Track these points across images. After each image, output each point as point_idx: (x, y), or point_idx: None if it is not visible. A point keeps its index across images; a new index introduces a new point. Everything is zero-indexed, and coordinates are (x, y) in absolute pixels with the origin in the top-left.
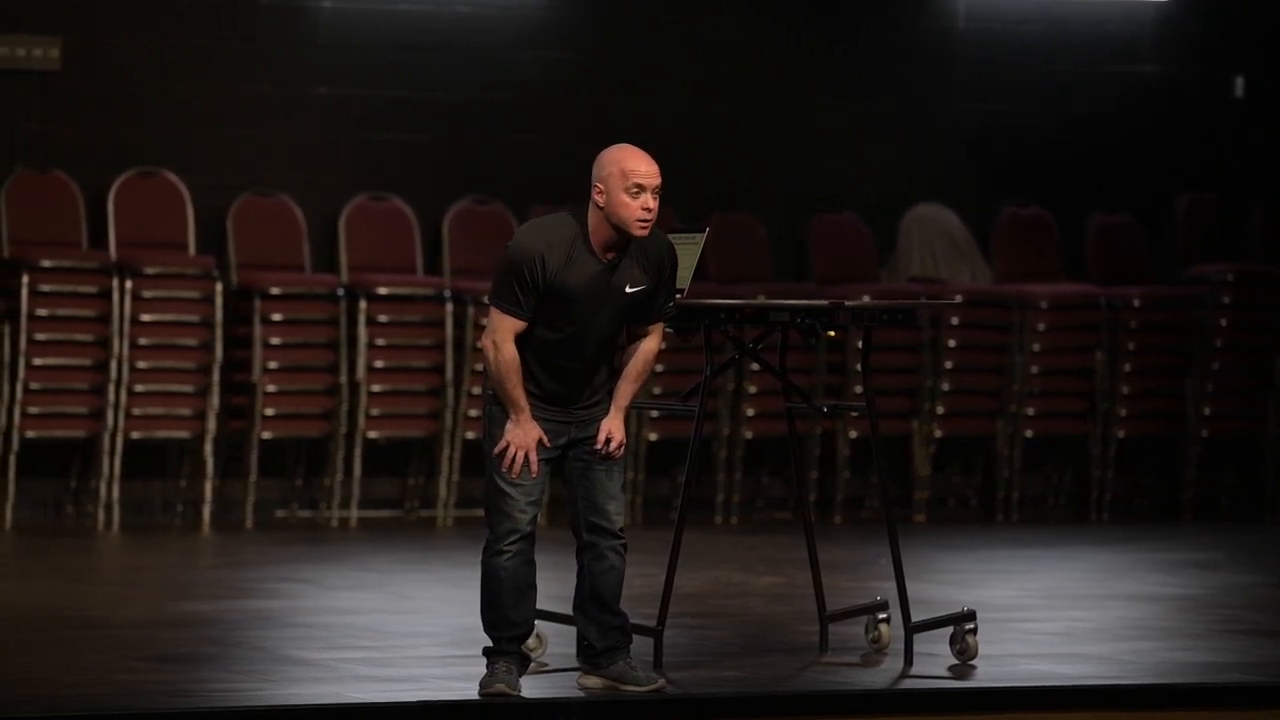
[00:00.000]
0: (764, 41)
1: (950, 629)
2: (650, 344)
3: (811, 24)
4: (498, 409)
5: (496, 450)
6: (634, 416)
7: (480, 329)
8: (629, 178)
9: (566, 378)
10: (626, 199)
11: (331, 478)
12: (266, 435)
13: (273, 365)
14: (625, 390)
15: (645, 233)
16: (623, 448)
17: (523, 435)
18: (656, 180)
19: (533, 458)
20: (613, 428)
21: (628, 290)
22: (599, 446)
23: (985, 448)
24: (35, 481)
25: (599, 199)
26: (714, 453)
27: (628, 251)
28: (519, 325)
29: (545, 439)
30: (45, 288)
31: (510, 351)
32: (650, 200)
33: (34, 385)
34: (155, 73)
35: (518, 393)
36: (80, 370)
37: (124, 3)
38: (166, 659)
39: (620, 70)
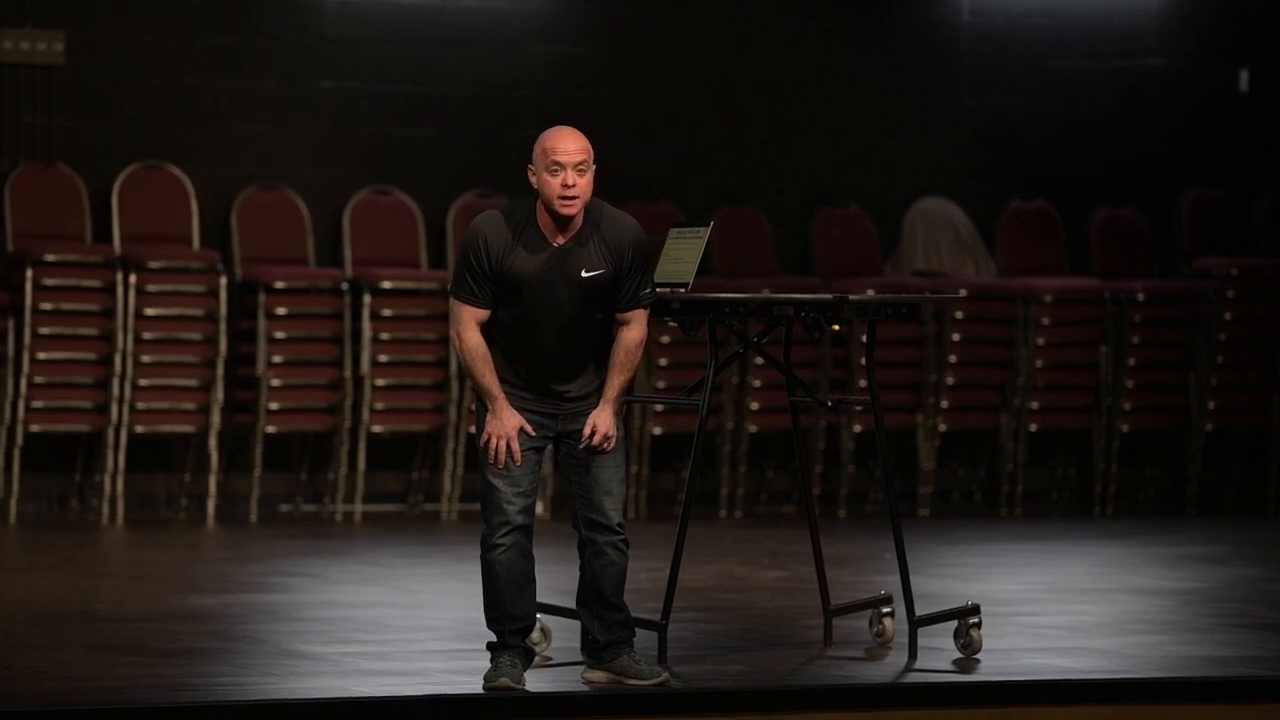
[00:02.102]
0: (769, 37)
1: (954, 623)
2: (632, 333)
3: (816, 18)
4: (482, 404)
5: (480, 444)
6: (638, 410)
7: None
8: (548, 155)
9: (536, 363)
10: (548, 177)
11: (335, 472)
12: (271, 429)
13: (277, 359)
14: (612, 382)
15: (570, 210)
16: (610, 441)
17: (500, 425)
18: (578, 158)
19: (514, 447)
20: (598, 420)
21: (584, 275)
22: (584, 440)
23: (989, 442)
24: (40, 475)
25: (532, 180)
26: (718, 447)
27: (585, 236)
28: (478, 313)
29: (528, 428)
30: (49, 282)
31: (473, 340)
32: (570, 177)
33: (38, 379)
34: (159, 67)
35: (488, 381)
36: (84, 364)
37: None
38: (171, 653)
39: (625, 66)
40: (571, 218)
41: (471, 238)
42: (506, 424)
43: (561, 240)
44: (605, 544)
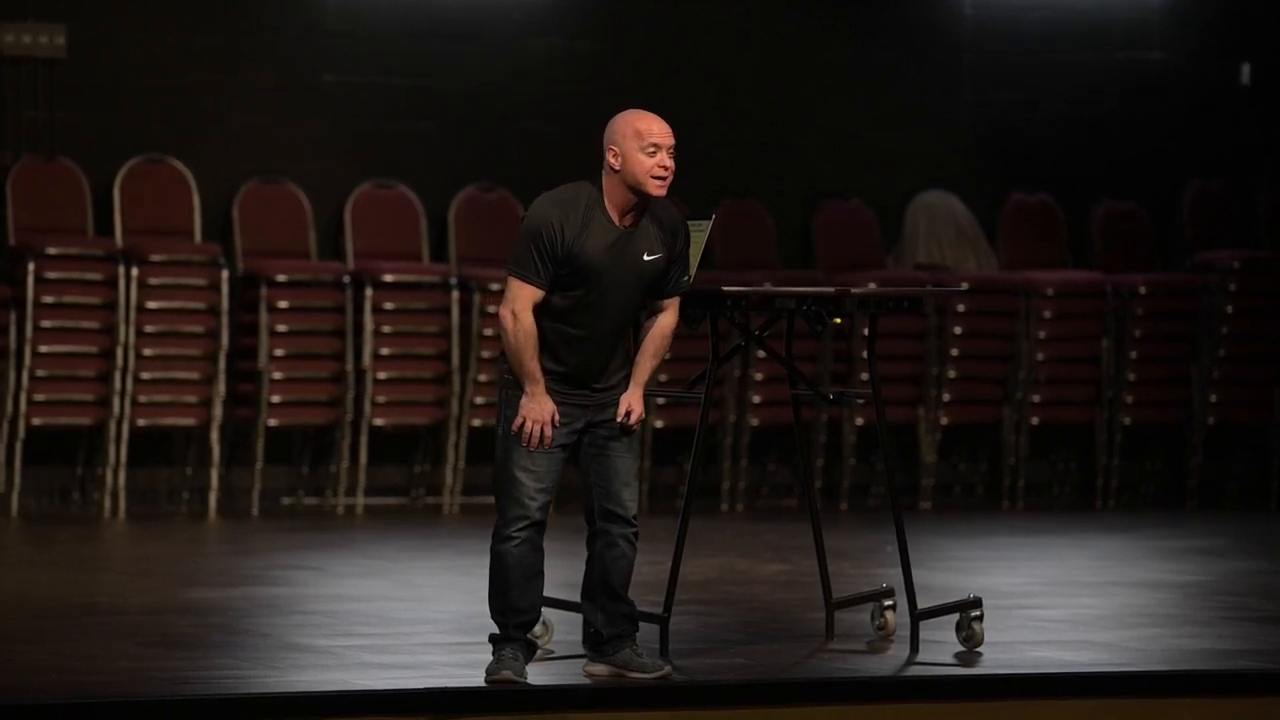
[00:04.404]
0: (771, 30)
1: (956, 616)
2: (667, 319)
3: (818, 12)
4: (513, 391)
5: (515, 426)
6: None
7: (486, 316)
8: (645, 137)
9: (584, 351)
10: (643, 158)
11: (337, 465)
12: (273, 423)
13: (279, 353)
14: (644, 366)
15: (663, 191)
16: (641, 423)
17: (538, 409)
18: (671, 140)
19: (547, 432)
20: (633, 401)
21: (645, 258)
22: (619, 419)
23: (991, 435)
24: (42, 469)
25: (614, 162)
26: (720, 440)
27: (644, 220)
28: (537, 294)
29: (557, 416)
30: (51, 275)
31: (529, 321)
32: (666, 158)
33: (40, 373)
34: (161, 60)
35: (533, 365)
36: (86, 358)
37: None
38: (173, 646)
39: (627, 59)
40: (650, 200)
41: (543, 218)
42: (544, 409)
43: (627, 223)
44: (619, 535)
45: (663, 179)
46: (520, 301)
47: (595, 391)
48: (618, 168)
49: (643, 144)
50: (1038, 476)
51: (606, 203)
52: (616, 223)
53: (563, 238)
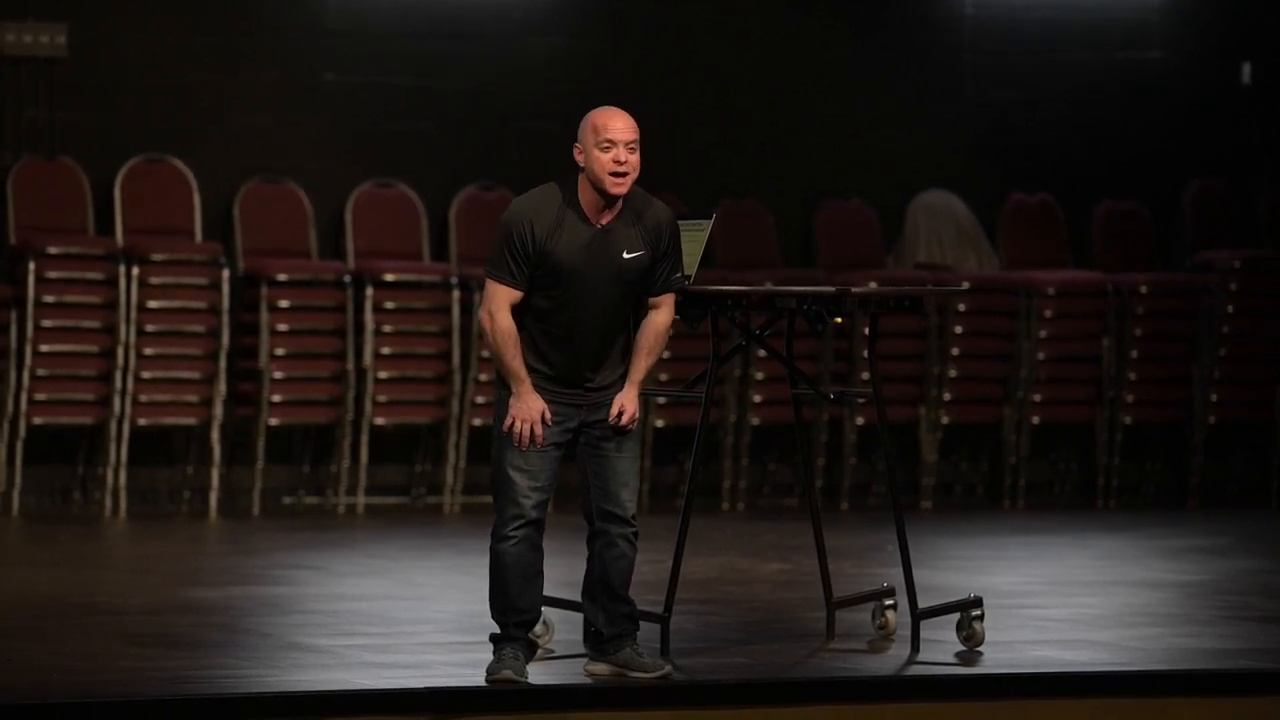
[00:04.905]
0: (771, 29)
1: (957, 615)
2: (661, 317)
3: (818, 12)
4: (504, 392)
5: (505, 426)
6: (641, 403)
7: None
8: (600, 133)
9: (571, 350)
10: (598, 154)
11: (338, 464)
12: (273, 422)
13: (280, 352)
14: (638, 364)
15: (621, 189)
16: (635, 422)
17: (526, 408)
18: (629, 136)
19: (538, 430)
20: (626, 401)
21: (625, 256)
22: (612, 419)
23: (992, 434)
24: (42, 468)
25: (579, 159)
26: (720, 439)
27: (623, 218)
28: (514, 295)
29: (548, 415)
30: (52, 274)
31: (506, 322)
32: (622, 154)
33: (41, 372)
34: (162, 59)
35: (516, 364)
36: (87, 357)
37: None
38: (173, 645)
39: (627, 58)
40: (619, 197)
41: (516, 218)
42: (531, 407)
43: (604, 221)
44: (618, 535)
45: (619, 175)
46: (497, 302)
47: (588, 391)
48: (582, 165)
49: (599, 139)
50: (1038, 476)
51: (580, 201)
52: (591, 221)
53: (534, 237)
